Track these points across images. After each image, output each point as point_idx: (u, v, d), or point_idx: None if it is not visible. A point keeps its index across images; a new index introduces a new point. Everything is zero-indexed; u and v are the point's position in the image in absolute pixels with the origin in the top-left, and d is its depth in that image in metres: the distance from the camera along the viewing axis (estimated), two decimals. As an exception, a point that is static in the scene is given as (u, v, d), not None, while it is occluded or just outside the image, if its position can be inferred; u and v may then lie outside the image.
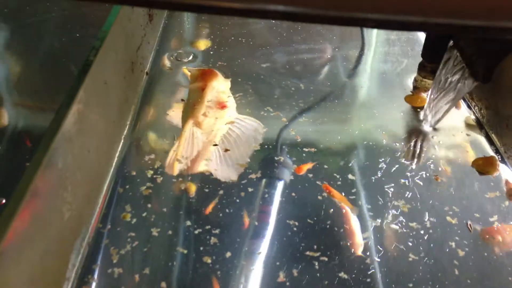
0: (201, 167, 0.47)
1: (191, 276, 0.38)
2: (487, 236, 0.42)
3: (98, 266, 0.38)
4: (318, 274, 0.39)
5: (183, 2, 0.25)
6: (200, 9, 0.27)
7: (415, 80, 0.64)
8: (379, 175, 0.48)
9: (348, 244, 0.41)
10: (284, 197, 0.45)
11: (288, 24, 0.77)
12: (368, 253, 0.40)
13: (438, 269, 0.40)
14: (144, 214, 0.43)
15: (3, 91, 0.61)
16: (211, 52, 0.69)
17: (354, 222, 0.43)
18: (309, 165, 0.48)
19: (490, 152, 0.52)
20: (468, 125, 0.57)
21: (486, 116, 0.56)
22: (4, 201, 0.41)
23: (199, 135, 0.47)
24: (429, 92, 0.56)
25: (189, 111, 0.48)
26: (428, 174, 0.49)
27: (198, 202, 0.44)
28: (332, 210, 0.44)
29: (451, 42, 0.53)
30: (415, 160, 0.51)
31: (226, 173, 0.46)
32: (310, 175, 0.48)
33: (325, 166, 0.49)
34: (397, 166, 0.50)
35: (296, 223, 0.43)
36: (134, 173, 0.47)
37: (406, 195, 0.46)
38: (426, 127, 0.55)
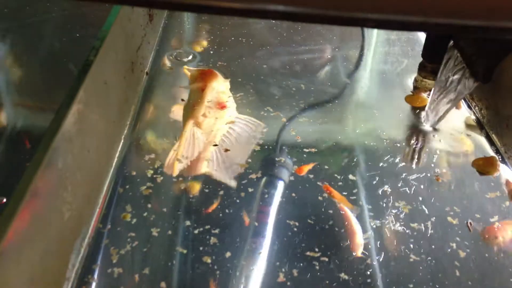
0: (201, 168, 0.47)
1: (191, 276, 0.38)
2: (488, 236, 0.42)
3: (98, 266, 0.38)
4: (318, 274, 0.39)
5: (183, 2, 0.25)
6: (200, 9, 0.27)
7: (415, 80, 0.64)
8: (380, 176, 0.48)
9: (348, 244, 0.41)
10: (284, 197, 0.45)
11: (288, 24, 0.77)
12: (368, 254, 0.40)
13: (439, 269, 0.39)
14: (144, 214, 0.43)
15: (3, 91, 0.61)
16: (211, 52, 0.69)
17: (354, 223, 0.43)
18: (310, 166, 0.48)
19: (490, 152, 0.52)
20: (469, 125, 0.57)
21: (487, 116, 0.56)
22: (5, 200, 0.41)
23: (199, 135, 0.47)
24: (431, 92, 0.56)
25: (189, 112, 0.48)
26: (428, 175, 0.49)
27: (198, 202, 0.44)
28: (332, 210, 0.44)
29: (451, 42, 0.53)
30: (416, 160, 0.51)
31: (225, 175, 0.46)
32: (311, 176, 0.48)
33: (326, 167, 0.49)
34: (397, 166, 0.50)
35: (297, 223, 0.43)
36: (134, 173, 0.47)
37: (406, 196, 0.46)
38: (427, 127, 0.55)
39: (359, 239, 0.42)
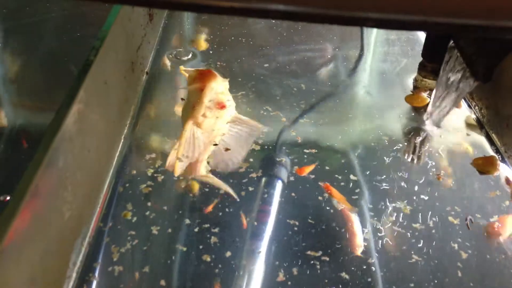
0: (202, 168, 0.47)
1: (191, 274, 0.38)
2: (489, 233, 0.42)
3: (99, 264, 0.38)
4: (318, 274, 0.39)
5: (183, 1, 0.25)
6: (200, 8, 0.27)
7: (415, 80, 0.64)
8: (380, 175, 0.48)
9: (349, 244, 0.41)
10: (285, 197, 0.45)
11: (288, 24, 0.77)
12: (369, 254, 0.40)
13: (440, 270, 0.39)
14: (144, 213, 0.43)
15: (4, 91, 0.61)
16: (211, 52, 0.69)
17: (354, 222, 0.43)
18: (311, 167, 0.48)
19: (490, 151, 0.52)
20: (469, 125, 0.57)
21: (487, 115, 0.56)
22: (8, 197, 0.41)
23: (199, 135, 0.47)
24: (434, 91, 0.56)
25: (189, 112, 0.48)
26: (429, 174, 0.49)
27: (198, 201, 0.44)
28: (332, 210, 0.44)
29: (451, 42, 0.53)
30: (416, 160, 0.51)
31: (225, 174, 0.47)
32: (311, 176, 0.48)
33: (327, 168, 0.49)
34: (398, 166, 0.50)
35: (297, 223, 0.43)
36: (134, 172, 0.47)
37: (407, 195, 0.46)
38: (430, 127, 0.55)
39: (359, 239, 0.42)
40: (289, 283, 0.38)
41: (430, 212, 0.44)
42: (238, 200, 0.44)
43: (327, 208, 0.44)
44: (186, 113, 0.49)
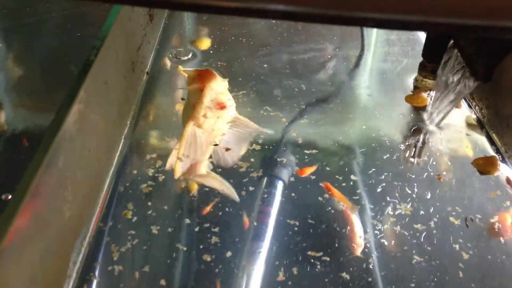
0: (203, 167, 0.47)
1: (191, 274, 0.38)
2: (490, 234, 0.42)
3: (99, 264, 0.38)
4: (318, 274, 0.39)
5: (183, 1, 0.25)
6: (200, 8, 0.27)
7: (416, 80, 0.64)
8: (381, 176, 0.48)
9: (349, 244, 0.41)
10: (285, 197, 0.45)
11: (289, 24, 0.77)
12: (369, 254, 0.40)
13: (441, 270, 0.39)
14: (144, 212, 0.43)
15: (4, 92, 0.61)
16: (211, 52, 0.69)
17: (355, 223, 0.43)
18: (312, 169, 0.48)
19: (490, 151, 0.52)
20: (469, 125, 0.57)
21: (487, 115, 0.56)
22: (10, 196, 0.41)
23: (200, 135, 0.47)
24: (434, 91, 0.56)
25: (189, 112, 0.48)
26: (430, 174, 0.49)
27: (198, 201, 0.44)
28: (333, 210, 0.44)
29: (451, 42, 0.53)
30: (417, 160, 0.51)
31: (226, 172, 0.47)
32: (312, 176, 0.48)
33: (327, 168, 0.49)
34: (398, 166, 0.50)
35: (297, 223, 0.43)
36: (134, 172, 0.47)
37: (408, 195, 0.46)
38: (430, 127, 0.55)
39: (359, 239, 0.42)
40: (290, 283, 0.38)
41: (431, 213, 0.44)
42: (238, 201, 0.44)
43: (328, 208, 0.44)
44: (186, 114, 0.49)
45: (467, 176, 0.49)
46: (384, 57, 0.70)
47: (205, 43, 0.71)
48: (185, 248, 0.40)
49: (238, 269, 0.39)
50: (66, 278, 0.36)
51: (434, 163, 0.50)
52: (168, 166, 0.47)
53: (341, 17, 0.24)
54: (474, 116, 0.58)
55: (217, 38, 0.73)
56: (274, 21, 0.77)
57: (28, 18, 0.74)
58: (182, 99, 0.57)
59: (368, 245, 0.41)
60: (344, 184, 0.47)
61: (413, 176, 0.48)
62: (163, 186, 0.46)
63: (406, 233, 0.42)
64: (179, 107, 0.55)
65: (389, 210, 0.44)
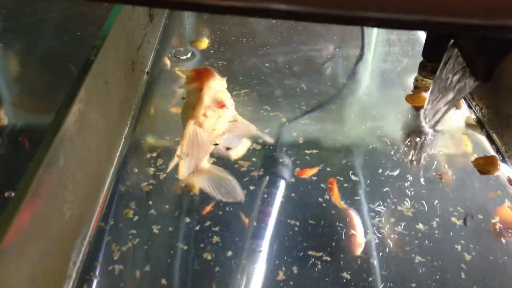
0: (204, 167, 0.47)
1: (192, 273, 0.38)
2: (491, 234, 0.42)
3: (99, 263, 0.38)
4: (319, 273, 0.39)
5: (183, 0, 0.25)
6: (200, 8, 0.27)
7: (416, 79, 0.64)
8: (382, 176, 0.48)
9: (349, 244, 0.41)
10: (285, 197, 0.45)
11: (289, 23, 0.77)
12: (370, 254, 0.40)
13: (442, 270, 0.39)
14: (145, 212, 0.43)
15: (4, 91, 0.61)
16: (211, 52, 0.69)
17: (356, 222, 0.43)
18: (314, 171, 0.48)
19: (491, 151, 0.52)
20: (469, 125, 0.57)
21: (487, 115, 0.56)
22: (13, 194, 0.41)
23: (201, 134, 0.47)
24: (429, 92, 0.56)
25: (189, 112, 0.48)
26: (431, 174, 0.49)
27: (199, 200, 0.44)
28: (333, 210, 0.44)
29: (451, 41, 0.53)
30: (417, 160, 0.51)
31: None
32: (313, 176, 0.48)
33: (328, 168, 0.49)
34: (399, 166, 0.50)
35: (297, 223, 0.43)
36: (135, 172, 0.47)
37: (408, 195, 0.46)
38: (425, 128, 0.55)
39: (361, 239, 0.42)
40: (291, 283, 0.38)
41: (432, 213, 0.44)
42: (242, 198, 0.44)
43: (329, 208, 0.44)
44: (186, 113, 0.49)
45: (468, 176, 0.49)
46: (384, 57, 0.70)
47: (205, 43, 0.71)
48: (185, 247, 0.40)
49: (239, 268, 0.39)
50: (66, 278, 0.36)
51: (435, 163, 0.50)
52: (170, 169, 0.47)
53: (343, 16, 0.24)
54: (474, 116, 0.58)
55: (217, 38, 0.73)
56: (274, 21, 0.77)
57: (28, 18, 0.74)
58: (183, 98, 0.57)
59: (369, 245, 0.41)
60: (345, 185, 0.47)
61: (414, 176, 0.48)
62: (164, 185, 0.46)
63: (407, 233, 0.42)
64: (177, 110, 0.55)
65: (390, 210, 0.44)
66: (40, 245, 0.32)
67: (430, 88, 0.56)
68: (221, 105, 0.48)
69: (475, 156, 0.51)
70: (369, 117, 0.57)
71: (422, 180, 0.48)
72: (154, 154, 0.49)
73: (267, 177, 0.47)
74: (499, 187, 0.47)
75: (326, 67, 0.67)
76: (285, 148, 0.51)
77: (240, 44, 0.71)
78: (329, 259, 0.40)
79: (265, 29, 0.77)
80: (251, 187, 0.46)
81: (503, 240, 0.42)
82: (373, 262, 0.40)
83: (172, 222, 0.42)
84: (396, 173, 0.49)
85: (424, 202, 0.45)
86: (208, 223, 0.42)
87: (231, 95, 0.48)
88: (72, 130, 0.37)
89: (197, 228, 0.42)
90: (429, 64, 0.61)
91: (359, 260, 0.40)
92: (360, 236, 0.42)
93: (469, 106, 0.59)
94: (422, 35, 0.73)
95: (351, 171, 0.48)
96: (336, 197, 0.45)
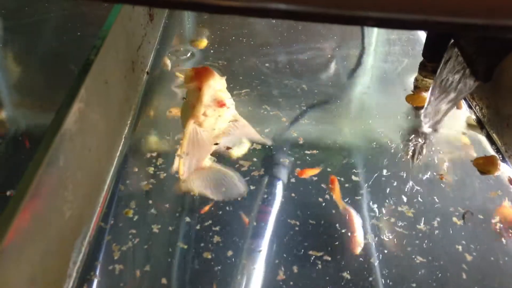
0: (204, 167, 0.47)
1: (192, 272, 0.38)
2: (491, 234, 0.42)
3: (99, 263, 0.38)
4: (319, 273, 0.39)
5: (183, 0, 0.25)
6: (200, 7, 0.27)
7: (416, 79, 0.64)
8: (382, 176, 0.48)
9: (350, 244, 0.41)
10: (285, 197, 0.45)
11: (289, 23, 0.77)
12: (370, 253, 0.40)
13: (442, 271, 0.39)
14: (145, 211, 0.43)
15: (4, 91, 0.61)
16: (212, 51, 0.69)
17: (356, 222, 0.43)
18: (314, 171, 0.48)
19: (491, 151, 0.52)
20: (469, 125, 0.57)
21: (487, 115, 0.56)
22: (13, 192, 0.41)
23: (201, 133, 0.47)
24: (429, 92, 0.56)
25: (189, 111, 0.48)
26: (431, 174, 0.49)
27: (199, 200, 0.44)
28: (334, 210, 0.44)
29: (451, 41, 0.53)
30: (417, 160, 0.51)
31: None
32: (314, 177, 0.48)
33: (328, 169, 0.49)
34: (399, 166, 0.50)
35: (297, 223, 0.43)
36: (135, 171, 0.47)
37: (409, 195, 0.46)
38: (426, 129, 0.55)
39: (361, 239, 0.42)
40: (291, 282, 0.38)
41: (432, 213, 0.44)
42: (245, 190, 0.44)
43: (329, 208, 0.44)
44: (186, 113, 0.49)
45: (468, 176, 0.49)
46: (385, 57, 0.70)
47: (205, 43, 0.71)
48: (185, 247, 0.40)
49: (239, 268, 0.39)
50: (67, 278, 0.36)
51: (435, 163, 0.50)
52: (173, 171, 0.47)
53: (342, 16, 0.24)
54: (474, 116, 0.58)
55: (217, 38, 0.73)
56: (274, 20, 0.77)
57: (28, 18, 0.74)
58: (183, 98, 0.57)
59: (369, 245, 0.41)
60: (346, 185, 0.47)
61: (414, 176, 0.48)
62: (164, 185, 0.46)
63: (407, 233, 0.42)
64: (177, 109, 0.55)
65: (390, 210, 0.44)
66: (40, 245, 0.32)
67: (431, 88, 0.56)
68: (221, 104, 0.48)
69: (475, 156, 0.51)
70: (369, 117, 0.57)
71: (422, 180, 0.48)
72: (154, 154, 0.49)
73: (268, 177, 0.47)
74: (499, 187, 0.47)
75: (327, 67, 0.67)
76: (285, 148, 0.51)
77: (240, 44, 0.71)
78: (329, 259, 0.40)
79: (265, 29, 0.77)
80: (252, 187, 0.46)
81: (503, 240, 0.42)
82: (374, 262, 0.40)
83: (172, 221, 0.42)
84: (396, 173, 0.48)
85: (424, 202, 0.45)
86: (208, 222, 0.42)
87: (231, 95, 0.48)
88: (72, 130, 0.37)
89: (197, 227, 0.42)
90: (429, 64, 0.61)
91: (359, 260, 0.40)
92: (360, 236, 0.42)
93: (469, 106, 0.59)
94: (422, 35, 0.73)
95: (351, 171, 0.48)
96: (337, 195, 0.45)
